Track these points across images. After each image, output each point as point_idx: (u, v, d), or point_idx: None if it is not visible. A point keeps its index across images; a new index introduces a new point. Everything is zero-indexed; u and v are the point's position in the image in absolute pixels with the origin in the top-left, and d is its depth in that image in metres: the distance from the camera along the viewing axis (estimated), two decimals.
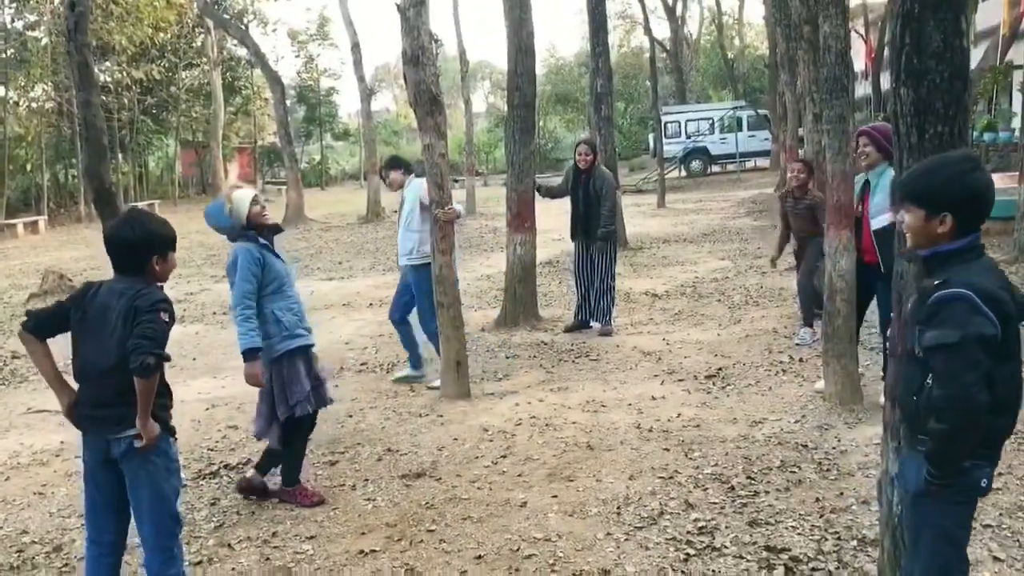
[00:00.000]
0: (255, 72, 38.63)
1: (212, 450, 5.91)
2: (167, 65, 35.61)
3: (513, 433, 5.86)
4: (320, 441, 5.90)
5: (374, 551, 4.24)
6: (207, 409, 6.80)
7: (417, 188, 7.02)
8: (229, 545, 4.41)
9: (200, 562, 4.24)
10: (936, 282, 2.53)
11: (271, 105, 42.41)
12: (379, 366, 7.97)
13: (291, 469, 4.96)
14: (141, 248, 3.38)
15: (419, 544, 4.29)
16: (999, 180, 15.23)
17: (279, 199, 34.26)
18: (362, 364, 8.09)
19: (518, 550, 4.17)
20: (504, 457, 5.43)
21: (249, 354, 4.67)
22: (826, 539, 4.09)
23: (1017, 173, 15.65)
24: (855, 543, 4.02)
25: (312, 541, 4.40)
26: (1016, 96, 21.14)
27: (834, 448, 5.26)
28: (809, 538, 4.10)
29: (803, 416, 5.88)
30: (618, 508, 4.58)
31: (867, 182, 6.02)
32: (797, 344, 7.75)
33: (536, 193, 8.97)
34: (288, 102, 28.50)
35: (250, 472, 5.05)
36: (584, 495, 4.77)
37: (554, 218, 13.58)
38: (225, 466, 5.58)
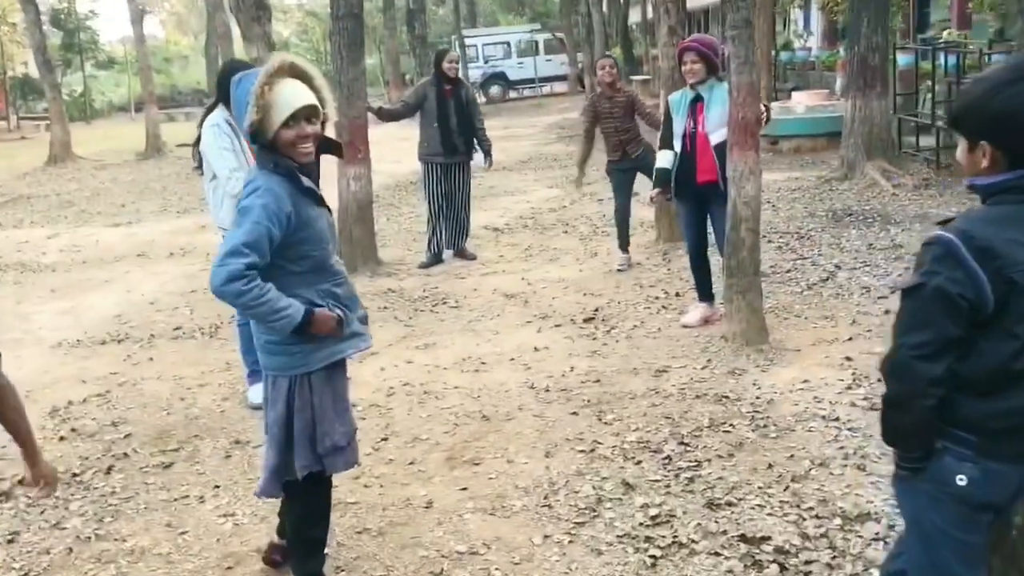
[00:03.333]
0: None
1: None
2: None
3: (388, 407, 4.90)
4: (143, 437, 4.70)
5: None
6: None
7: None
8: None
9: None
10: (940, 222, 2.01)
11: (20, 31, 37.78)
12: (199, 330, 6.70)
13: (307, 555, 3.18)
14: None
15: None
16: (806, 98, 15.54)
17: (39, 135, 30.62)
18: (176, 329, 6.78)
19: (441, 572, 3.27)
20: (385, 440, 4.48)
21: (304, 326, 2.86)
22: (804, 519, 3.46)
23: (826, 91, 16.04)
24: (839, 521, 3.42)
25: None
26: (814, 14, 21.74)
27: (758, 398, 4.69)
28: (784, 519, 3.46)
29: (708, 361, 5.29)
30: (546, 498, 3.77)
31: (697, 96, 5.75)
32: (618, 269, 7.56)
33: (375, 115, 7.90)
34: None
35: (276, 539, 3.39)
36: (499, 484, 3.92)
37: (375, 146, 12.44)
38: (20, 482, 4.25)
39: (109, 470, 4.36)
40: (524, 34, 35.34)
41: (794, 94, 16.45)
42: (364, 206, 7.99)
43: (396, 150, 15.42)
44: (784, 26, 23.74)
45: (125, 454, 4.53)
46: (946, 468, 1.98)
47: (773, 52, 19.15)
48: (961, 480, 1.96)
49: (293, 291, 2.86)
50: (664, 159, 6.02)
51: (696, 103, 5.77)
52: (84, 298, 8.01)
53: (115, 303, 7.74)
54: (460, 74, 8.29)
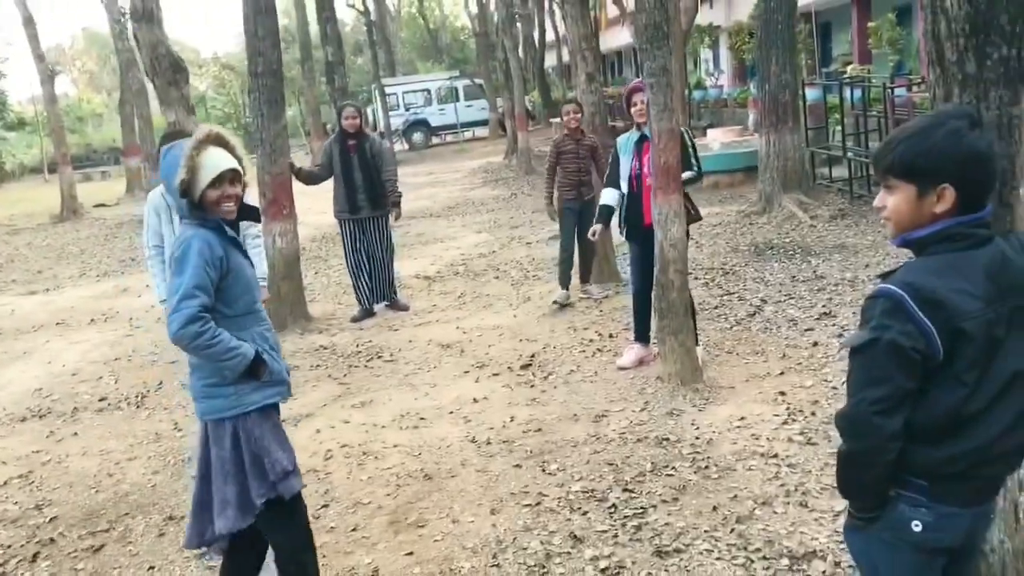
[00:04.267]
0: None
1: None
2: None
3: (327, 471, 4.79)
4: (71, 519, 4.51)
5: None
6: None
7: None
8: None
9: None
10: (882, 275, 2.03)
11: None
12: (124, 400, 6.48)
13: None
14: None
15: None
16: (721, 135, 15.94)
17: None
18: (101, 400, 6.54)
19: None
20: (326, 507, 4.37)
21: (257, 365, 3.05)
22: (752, 562, 3.48)
23: (739, 127, 16.50)
24: (786, 561, 3.45)
25: None
26: (723, 53, 22.38)
27: (697, 439, 4.72)
28: (733, 563, 3.48)
29: (646, 403, 5.32)
30: (494, 557, 3.72)
31: (643, 137, 5.82)
32: (555, 303, 7.76)
33: (295, 176, 7.81)
34: None
35: None
36: (446, 546, 3.85)
37: (299, 198, 12.32)
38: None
39: (35, 557, 4.16)
40: (444, 81, 35.53)
41: (709, 131, 16.89)
42: (291, 262, 7.88)
43: (320, 200, 15.33)
44: (695, 65, 24.41)
45: (51, 539, 4.34)
46: (901, 515, 2.00)
47: (686, 91, 19.66)
48: (916, 526, 1.98)
49: (232, 334, 3.02)
50: (608, 197, 6.13)
51: (642, 143, 5.82)
52: (1, 372, 7.70)
53: (35, 376, 7.45)
54: (374, 125, 8.33)
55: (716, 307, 7.28)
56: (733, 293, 7.65)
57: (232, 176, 3.06)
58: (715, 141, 15.49)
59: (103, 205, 23.07)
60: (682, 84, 18.96)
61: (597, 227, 6.24)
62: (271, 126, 7.57)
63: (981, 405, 1.92)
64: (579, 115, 7.89)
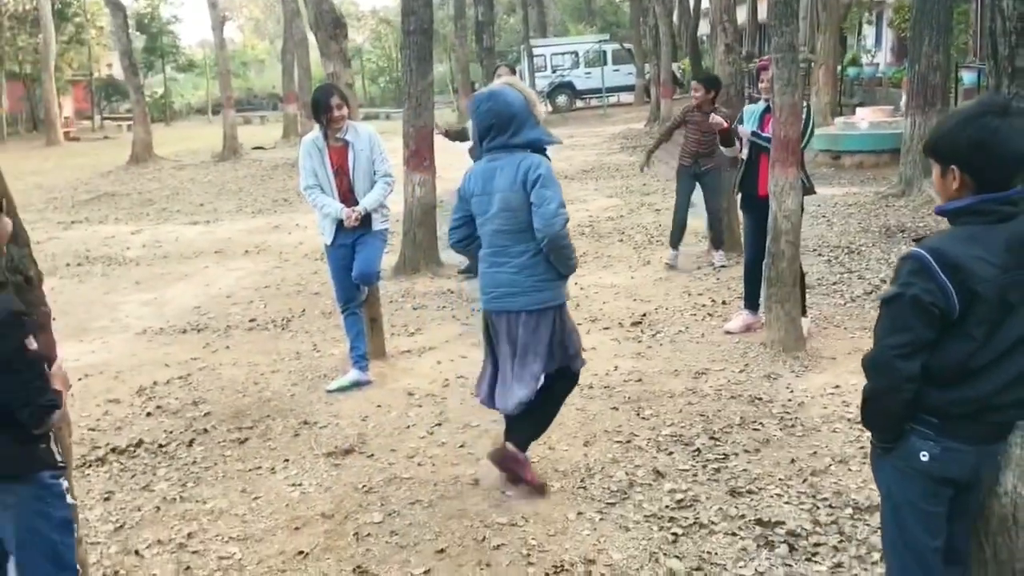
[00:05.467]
0: None
1: (94, 430, 5.08)
2: None
3: (443, 396, 5.30)
4: (221, 415, 5.19)
5: (316, 550, 3.63)
6: (80, 379, 5.84)
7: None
8: (136, 552, 3.71)
9: None
10: (915, 239, 2.34)
11: (106, 34, 39.34)
12: (271, 322, 7.20)
13: (536, 434, 4.14)
14: None
15: (366, 538, 3.71)
16: (870, 114, 15.56)
17: (121, 136, 31.97)
18: (251, 320, 7.29)
19: (484, 540, 3.65)
20: (439, 425, 4.88)
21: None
22: (818, 508, 3.76)
23: (890, 107, 16.06)
24: (850, 511, 3.71)
25: (238, 543, 3.74)
26: (884, 31, 21.63)
27: (790, 400, 4.97)
28: (799, 508, 3.77)
29: (746, 365, 5.58)
30: (582, 481, 4.13)
31: (768, 108, 5.96)
32: (667, 264, 8.27)
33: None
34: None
35: (508, 446, 4.07)
36: (541, 467, 4.27)
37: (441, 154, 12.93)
38: (113, 450, 4.77)
39: (191, 443, 4.84)
40: (592, 44, 35.57)
41: (858, 110, 16.49)
42: (428, 211, 8.43)
43: (462, 159, 15.87)
44: (856, 41, 23.65)
45: (205, 430, 5.01)
46: (912, 446, 2.30)
47: (840, 68, 19.19)
48: (924, 456, 2.28)
49: None
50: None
51: (766, 113, 6.01)
52: (166, 290, 8.60)
53: (194, 296, 8.30)
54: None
55: (834, 283, 7.39)
56: (854, 272, 7.72)
57: None
58: (863, 120, 15.16)
59: (261, 148, 24.50)
60: (835, 60, 18.54)
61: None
62: (419, 81, 8.10)
63: (988, 359, 2.21)
64: (707, 93, 7.97)
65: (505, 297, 3.90)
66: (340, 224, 5.37)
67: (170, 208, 14.55)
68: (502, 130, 3.84)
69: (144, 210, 14.48)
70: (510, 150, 3.84)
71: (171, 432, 5.00)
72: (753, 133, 5.98)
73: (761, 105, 6.16)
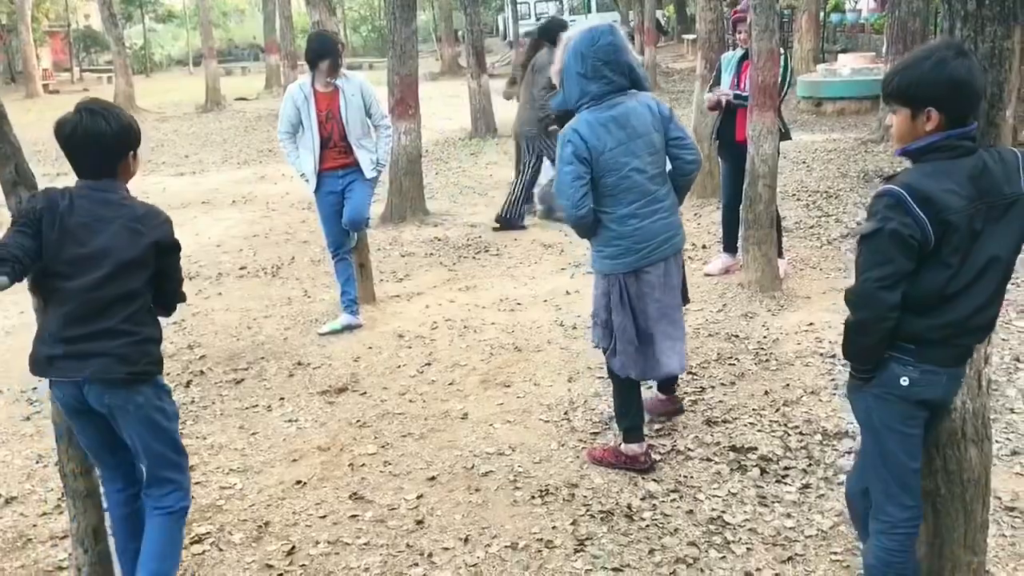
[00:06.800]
0: None
1: None
2: None
3: (432, 338, 5.48)
4: (216, 358, 5.35)
5: (313, 480, 3.83)
6: None
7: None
8: None
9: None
10: (885, 178, 2.44)
11: None
12: (261, 269, 7.32)
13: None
14: (121, 143, 2.78)
15: (361, 468, 3.91)
16: (852, 60, 15.63)
17: (102, 87, 31.57)
18: (242, 268, 7.42)
19: (472, 467, 3.86)
20: (429, 365, 5.06)
21: None
22: (788, 435, 3.98)
23: (872, 53, 16.12)
24: (819, 437, 3.93)
25: (239, 474, 3.93)
26: None
27: (765, 337, 5.18)
28: (771, 435, 3.98)
29: (724, 305, 5.78)
30: (566, 414, 4.33)
31: (745, 55, 6.10)
32: None
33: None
34: None
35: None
36: (526, 402, 4.48)
37: (425, 103, 12.97)
38: None
39: (188, 384, 5.01)
40: None
41: (840, 56, 16.53)
42: (414, 159, 8.53)
43: (447, 106, 15.88)
44: None
45: (201, 372, 5.18)
46: (891, 372, 2.45)
47: (823, 14, 19.19)
48: (904, 381, 2.43)
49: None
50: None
51: (743, 61, 6.15)
52: None
53: (185, 245, 8.20)
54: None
55: (811, 227, 7.57)
56: (831, 215, 7.91)
57: None
58: (845, 67, 15.21)
59: (244, 99, 24.33)
60: (818, 6, 18.54)
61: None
62: (402, 29, 8.15)
63: (961, 285, 2.36)
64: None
65: (665, 244, 3.68)
66: (323, 171, 5.49)
67: (155, 160, 14.51)
68: (622, 69, 3.54)
69: None
70: (625, 92, 3.58)
71: (168, 374, 5.12)
72: (735, 96, 6.08)
73: (739, 52, 6.29)
